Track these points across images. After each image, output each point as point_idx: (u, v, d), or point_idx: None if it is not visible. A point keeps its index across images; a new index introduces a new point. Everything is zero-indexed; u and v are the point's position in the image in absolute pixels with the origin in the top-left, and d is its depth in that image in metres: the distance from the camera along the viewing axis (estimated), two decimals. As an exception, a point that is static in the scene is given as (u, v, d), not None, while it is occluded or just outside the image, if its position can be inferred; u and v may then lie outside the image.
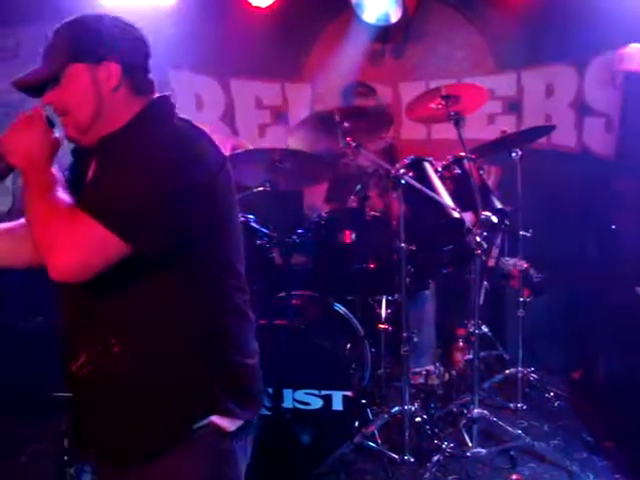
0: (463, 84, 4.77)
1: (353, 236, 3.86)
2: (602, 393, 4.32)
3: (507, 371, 4.48)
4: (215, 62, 5.61)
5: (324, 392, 3.54)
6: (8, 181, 1.98)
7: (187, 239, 1.76)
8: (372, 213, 3.94)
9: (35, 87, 1.89)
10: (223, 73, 5.73)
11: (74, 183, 1.88)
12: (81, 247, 1.66)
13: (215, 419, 1.82)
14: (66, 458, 3.90)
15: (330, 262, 3.93)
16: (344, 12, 5.43)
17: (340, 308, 3.97)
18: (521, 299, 4.40)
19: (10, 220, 2.07)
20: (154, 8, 5.28)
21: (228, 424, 1.85)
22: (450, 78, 5.32)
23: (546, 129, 4.82)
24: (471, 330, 3.91)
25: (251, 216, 3.97)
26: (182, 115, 1.89)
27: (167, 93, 1.95)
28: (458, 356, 4.75)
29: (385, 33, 5.58)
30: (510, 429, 3.83)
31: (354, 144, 3.70)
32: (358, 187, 4.18)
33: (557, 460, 3.73)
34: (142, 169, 1.70)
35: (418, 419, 3.76)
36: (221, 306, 1.87)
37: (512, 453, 3.78)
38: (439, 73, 5.55)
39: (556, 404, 4.37)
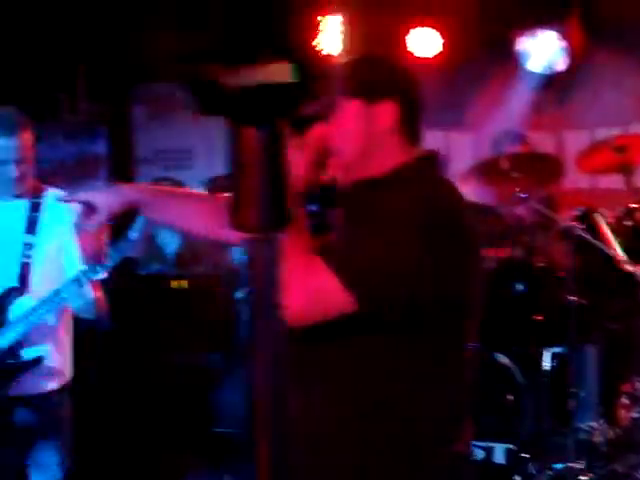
0: (635, 134, 4.63)
1: (520, 287, 3.83)
2: None
3: (677, 432, 4.27)
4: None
5: (486, 444, 3.51)
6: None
7: (420, 316, 1.62)
8: (540, 264, 3.90)
9: (300, 120, 1.76)
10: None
11: (316, 221, 1.78)
12: (310, 295, 1.56)
13: None
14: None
15: (495, 312, 3.91)
16: (509, 61, 5.42)
17: (502, 358, 3.93)
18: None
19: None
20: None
21: None
22: (616, 126, 5.19)
23: None
24: (637, 386, 3.77)
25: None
26: (446, 177, 1.80)
27: (435, 150, 1.84)
28: (623, 413, 4.57)
29: (549, 80, 5.52)
30: (682, 494, 3.65)
31: (523, 195, 3.69)
32: (524, 238, 4.15)
33: None
34: (394, 233, 1.59)
35: (583, 478, 3.66)
36: (443, 389, 1.70)
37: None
38: (605, 121, 5.42)
39: None
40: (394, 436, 1.67)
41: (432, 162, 1.80)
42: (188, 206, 2.08)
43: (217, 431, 5.23)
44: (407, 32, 5.30)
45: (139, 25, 5.05)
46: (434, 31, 5.28)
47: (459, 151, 5.75)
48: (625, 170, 3.87)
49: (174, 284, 5.46)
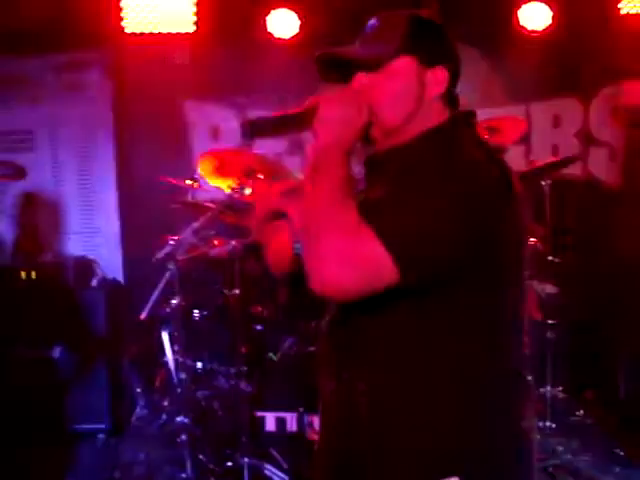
0: (503, 117, 4.65)
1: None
2: None
3: None
4: (233, 93, 5.59)
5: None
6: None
7: (462, 280, 1.52)
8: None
9: (343, 64, 1.65)
10: (241, 104, 5.61)
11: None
12: (356, 265, 1.43)
13: None
14: None
15: None
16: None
17: None
18: None
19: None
20: (172, 35, 5.34)
21: None
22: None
23: (572, 160, 4.88)
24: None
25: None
26: (480, 136, 1.69)
27: (470, 110, 1.70)
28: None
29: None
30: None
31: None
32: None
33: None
34: (430, 203, 1.46)
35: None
36: (490, 359, 1.58)
37: (550, 470, 3.87)
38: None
39: None
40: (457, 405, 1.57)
41: (461, 123, 1.67)
42: None
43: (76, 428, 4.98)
44: (267, 13, 5.25)
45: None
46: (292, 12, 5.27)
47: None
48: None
49: (23, 275, 5.15)
